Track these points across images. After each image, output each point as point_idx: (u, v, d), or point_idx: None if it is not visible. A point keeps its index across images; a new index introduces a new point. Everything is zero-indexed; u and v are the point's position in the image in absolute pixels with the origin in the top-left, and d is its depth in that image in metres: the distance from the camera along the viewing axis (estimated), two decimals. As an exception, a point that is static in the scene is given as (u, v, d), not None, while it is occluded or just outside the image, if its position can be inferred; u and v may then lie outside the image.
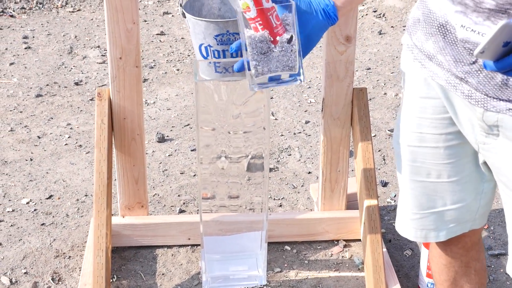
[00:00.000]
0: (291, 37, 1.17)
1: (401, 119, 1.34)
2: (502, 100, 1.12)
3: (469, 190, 1.30)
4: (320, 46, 2.93)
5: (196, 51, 1.64)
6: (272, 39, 1.17)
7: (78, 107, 2.79)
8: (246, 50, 1.19)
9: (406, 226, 1.38)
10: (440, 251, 1.43)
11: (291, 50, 1.18)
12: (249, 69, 1.20)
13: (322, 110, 1.84)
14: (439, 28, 1.16)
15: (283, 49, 1.17)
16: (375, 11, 3.72)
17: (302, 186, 2.30)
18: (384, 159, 2.45)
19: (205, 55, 1.63)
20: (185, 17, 1.61)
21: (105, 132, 1.73)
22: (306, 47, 1.22)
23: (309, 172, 2.36)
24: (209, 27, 1.56)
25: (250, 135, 1.71)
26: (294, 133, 2.59)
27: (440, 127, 1.26)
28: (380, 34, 3.47)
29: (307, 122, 2.66)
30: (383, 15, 3.69)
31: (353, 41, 1.75)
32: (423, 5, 1.23)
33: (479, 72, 1.12)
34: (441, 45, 1.16)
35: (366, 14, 3.71)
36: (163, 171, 2.35)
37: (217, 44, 1.58)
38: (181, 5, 1.62)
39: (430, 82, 1.23)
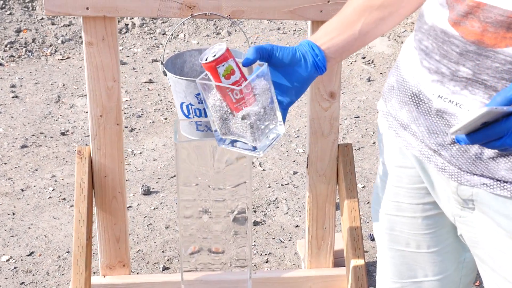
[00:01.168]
0: (244, 116, 1.13)
1: (379, 186, 1.30)
2: (476, 174, 1.08)
3: (450, 261, 1.26)
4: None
5: (177, 109, 1.62)
6: (230, 111, 1.14)
7: (64, 158, 2.75)
8: (210, 112, 1.16)
9: (386, 294, 1.33)
10: None
11: (245, 127, 1.14)
12: (214, 129, 1.17)
13: (307, 167, 1.81)
14: (412, 98, 1.13)
15: (239, 123, 1.14)
16: (363, 58, 3.73)
17: (289, 240, 2.25)
18: (373, 212, 2.41)
19: (186, 113, 1.60)
20: (166, 75, 1.59)
21: (85, 191, 1.69)
22: (290, 99, 1.15)
23: (297, 226, 2.32)
24: (190, 86, 1.54)
25: (233, 190, 1.67)
26: (282, 185, 2.56)
27: (417, 197, 1.22)
28: (369, 81, 3.47)
29: (295, 173, 2.63)
30: (372, 61, 3.70)
31: (338, 97, 1.73)
32: (397, 72, 1.20)
33: (452, 145, 1.09)
34: (414, 115, 1.13)
35: (355, 61, 3.72)
36: (147, 226, 2.31)
37: (198, 103, 1.56)
38: (162, 63, 1.60)
39: (405, 152, 1.20)
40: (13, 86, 3.40)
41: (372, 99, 3.27)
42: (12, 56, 3.78)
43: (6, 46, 3.86)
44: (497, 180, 1.08)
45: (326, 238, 1.89)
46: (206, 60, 1.10)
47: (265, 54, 1.13)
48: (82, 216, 1.67)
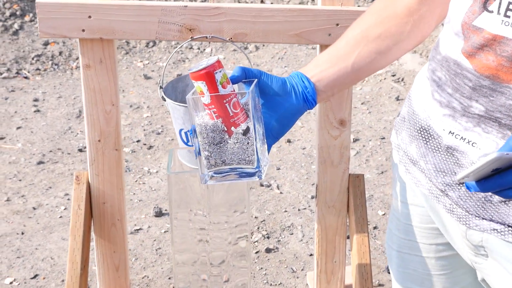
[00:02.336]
0: (247, 128, 1.03)
1: (392, 221, 1.21)
2: (485, 219, 0.98)
3: None
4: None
5: (177, 137, 1.54)
6: (226, 129, 1.03)
7: (86, 163, 2.71)
8: (197, 137, 1.05)
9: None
10: None
11: (248, 143, 1.03)
12: (197, 156, 1.07)
13: (315, 197, 1.71)
14: (421, 132, 1.04)
15: (238, 141, 1.03)
16: (393, 75, 3.61)
17: (302, 270, 2.15)
18: (392, 241, 2.30)
19: (185, 141, 1.53)
20: (165, 100, 1.52)
21: (81, 219, 1.63)
22: (277, 132, 1.06)
23: (311, 255, 2.22)
24: (188, 112, 1.46)
25: (231, 221, 1.59)
26: (299, 209, 2.46)
27: (430, 237, 1.12)
28: (397, 100, 3.35)
29: (313, 197, 2.53)
30: (402, 79, 3.57)
31: (348, 125, 1.63)
32: (409, 102, 1.11)
33: (460, 185, 0.99)
34: (422, 151, 1.04)
35: (385, 79, 3.60)
36: (156, 250, 2.24)
37: (197, 131, 1.48)
38: (161, 87, 1.53)
39: (415, 189, 1.10)
40: (36, 100, 3.39)
41: (399, 120, 3.15)
42: (38, 69, 3.78)
43: (33, 59, 3.86)
44: (509, 226, 0.97)
45: (336, 272, 1.79)
46: (200, 67, 1.00)
47: (251, 76, 1.04)
48: (77, 245, 1.61)
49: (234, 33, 1.49)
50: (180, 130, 1.52)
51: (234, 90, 1.04)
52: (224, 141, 1.03)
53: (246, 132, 1.03)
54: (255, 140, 1.03)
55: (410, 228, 1.15)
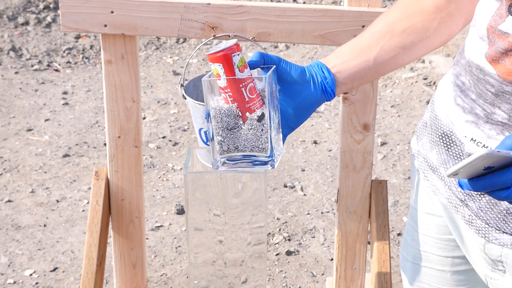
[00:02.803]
0: (262, 114, 1.00)
1: (407, 231, 1.17)
2: (506, 232, 0.94)
3: None
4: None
5: (197, 136, 1.53)
6: (241, 115, 1.00)
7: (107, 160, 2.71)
8: (211, 122, 1.02)
9: None
10: None
11: (262, 130, 1.00)
12: (211, 140, 1.04)
13: (336, 202, 1.68)
14: (443, 138, 1.00)
15: (252, 127, 1.00)
16: (425, 79, 3.54)
17: (322, 274, 2.12)
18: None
19: (205, 140, 1.51)
20: (185, 99, 1.50)
21: (99, 215, 1.62)
22: (294, 121, 1.03)
23: (332, 259, 2.19)
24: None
25: (253, 221, 1.57)
26: (322, 212, 2.42)
27: (446, 249, 1.08)
28: (428, 104, 3.28)
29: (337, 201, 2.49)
30: (434, 83, 3.50)
31: (372, 130, 1.59)
32: (431, 107, 1.07)
33: (481, 196, 0.95)
34: (443, 157, 1.00)
35: (416, 82, 3.54)
36: (176, 248, 2.23)
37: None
38: (182, 85, 1.51)
39: (433, 197, 1.06)
40: (65, 92, 3.41)
41: (429, 124, 3.09)
42: (68, 62, 3.80)
43: (64, 52, 3.88)
44: None
45: (355, 279, 1.75)
46: (219, 49, 0.96)
47: (270, 62, 1.01)
48: (94, 241, 1.60)
49: (257, 32, 1.46)
50: (200, 129, 1.50)
51: (251, 75, 1.01)
52: (238, 127, 1.00)
53: (261, 118, 1.00)
54: (270, 128, 1.00)
55: (426, 239, 1.11)
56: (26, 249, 2.20)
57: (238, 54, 0.98)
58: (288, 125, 1.04)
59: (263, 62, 1.01)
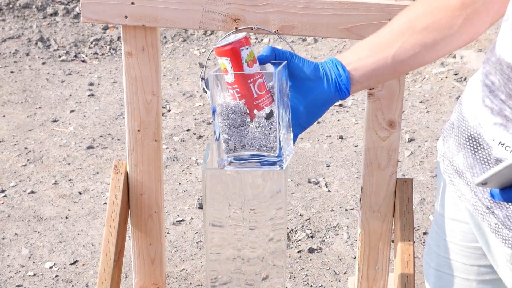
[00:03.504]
0: (271, 112, 0.95)
1: (431, 237, 1.12)
2: None
3: None
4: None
5: (215, 131, 1.49)
6: (248, 112, 0.96)
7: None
8: (217, 118, 0.98)
9: None
10: None
11: (270, 128, 0.96)
12: (217, 139, 1.01)
13: (360, 200, 1.63)
14: (470, 141, 0.95)
15: (260, 125, 0.96)
16: (455, 74, 3.46)
17: (344, 273, 2.08)
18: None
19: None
20: (206, 93, 1.47)
21: (118, 209, 1.59)
22: (305, 120, 0.99)
23: (355, 257, 2.14)
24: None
25: (277, 217, 1.53)
26: (346, 209, 2.38)
27: (472, 257, 1.03)
28: (458, 100, 3.21)
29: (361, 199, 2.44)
30: (465, 79, 3.42)
31: (398, 127, 1.54)
32: (459, 108, 1.02)
33: (509, 204, 0.90)
34: (470, 161, 0.95)
35: (446, 77, 3.46)
36: (197, 243, 2.20)
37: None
38: (202, 79, 1.47)
39: (458, 203, 1.01)
40: (91, 84, 3.41)
41: (459, 121, 3.02)
42: (95, 53, 3.80)
43: (91, 43, 3.89)
44: None
45: (378, 279, 1.70)
46: (226, 42, 0.92)
47: (282, 57, 0.97)
48: (112, 235, 1.58)
49: (281, 25, 1.42)
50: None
51: (261, 71, 0.97)
52: (245, 125, 0.96)
53: (269, 116, 0.95)
54: (279, 126, 0.96)
55: (451, 245, 1.06)
56: (47, 241, 2.20)
57: (247, 48, 0.94)
58: (299, 124, 1.00)
59: (274, 57, 0.97)
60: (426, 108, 3.14)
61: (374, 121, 1.55)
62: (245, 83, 0.94)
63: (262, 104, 0.96)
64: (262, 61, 0.95)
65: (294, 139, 1.01)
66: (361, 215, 1.64)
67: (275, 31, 1.43)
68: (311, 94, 0.97)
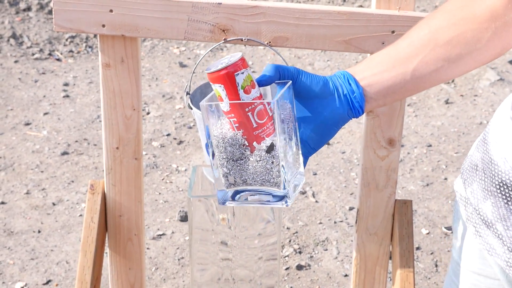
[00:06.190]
0: (271, 145, 0.85)
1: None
2: None
3: None
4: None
5: (204, 151, 1.37)
6: (247, 144, 0.86)
7: (103, 170, 2.56)
8: (213, 153, 0.88)
9: None
10: None
11: (272, 163, 0.86)
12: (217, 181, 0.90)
13: (356, 223, 1.52)
14: (501, 188, 0.83)
15: (261, 159, 0.86)
16: (444, 77, 3.37)
17: (335, 292, 1.97)
18: (436, 265, 2.09)
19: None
20: (191, 109, 1.35)
21: (94, 233, 1.47)
22: (315, 142, 0.90)
23: (346, 275, 2.04)
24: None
25: (265, 234, 1.42)
26: (335, 222, 2.27)
27: None
28: (446, 103, 3.12)
29: (351, 209, 2.34)
30: (452, 81, 3.34)
31: (397, 145, 1.44)
32: (484, 147, 0.89)
33: None
34: (502, 212, 0.83)
35: (434, 79, 3.37)
36: (178, 260, 2.08)
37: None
38: (187, 94, 1.35)
39: (487, 257, 0.89)
40: (66, 84, 3.26)
41: (448, 126, 2.93)
42: (71, 51, 3.65)
43: (66, 40, 3.73)
44: None
45: (373, 305, 1.60)
46: (218, 67, 0.82)
47: (287, 76, 0.86)
48: (88, 262, 1.45)
49: (274, 36, 1.30)
50: (207, 145, 1.34)
51: (261, 95, 0.86)
52: (245, 158, 0.86)
53: (270, 149, 0.86)
54: (282, 160, 0.85)
55: None
56: (18, 258, 2.06)
57: (243, 72, 0.84)
58: (309, 146, 0.90)
59: (279, 76, 0.87)
60: (414, 111, 3.05)
61: (372, 139, 1.44)
62: (242, 112, 0.83)
63: (263, 134, 0.85)
64: (265, 82, 0.85)
65: (304, 163, 0.91)
66: (357, 239, 1.53)
67: (267, 43, 1.31)
68: (322, 113, 0.88)
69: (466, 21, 0.86)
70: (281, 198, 0.89)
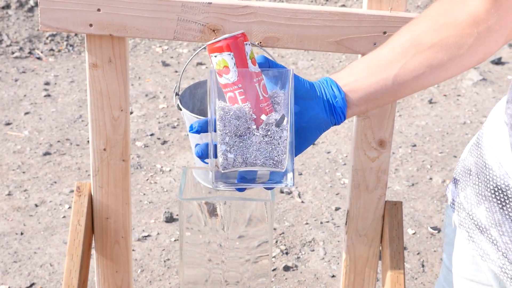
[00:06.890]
0: (283, 117, 0.82)
1: None
2: None
3: None
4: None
5: (193, 153, 1.35)
6: (255, 117, 0.83)
7: (86, 171, 2.53)
8: (215, 129, 0.84)
9: None
10: None
11: (280, 137, 0.83)
12: (215, 156, 0.86)
13: (346, 224, 1.52)
14: (496, 193, 0.82)
15: (269, 134, 0.83)
16: (427, 76, 3.39)
17: (322, 293, 1.97)
18: (423, 266, 2.09)
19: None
20: (180, 110, 1.33)
21: (81, 236, 1.44)
22: (296, 146, 0.87)
23: (333, 276, 2.03)
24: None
25: (252, 235, 1.40)
26: (321, 222, 2.26)
27: None
28: (430, 103, 3.13)
29: (337, 209, 2.33)
30: (436, 81, 3.35)
31: (388, 146, 1.43)
32: (478, 151, 0.89)
33: None
34: (497, 217, 0.82)
35: (417, 79, 3.38)
36: (164, 261, 2.06)
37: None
38: (177, 94, 1.33)
39: (480, 263, 0.89)
40: (47, 83, 3.21)
41: (432, 125, 2.93)
42: (52, 49, 3.60)
43: (47, 38, 3.68)
44: None
45: (363, 307, 1.59)
46: (231, 34, 0.81)
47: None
48: (75, 266, 1.43)
49: (265, 37, 1.29)
50: (197, 145, 1.32)
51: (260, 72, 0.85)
52: (249, 133, 0.83)
53: (280, 122, 0.82)
54: (291, 134, 0.83)
55: None
56: (0, 261, 2.02)
57: (248, 44, 0.82)
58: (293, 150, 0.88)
59: (268, 66, 0.87)
60: (398, 111, 3.05)
61: (363, 140, 1.43)
62: (250, 82, 0.81)
63: (268, 108, 0.83)
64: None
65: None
66: (347, 240, 1.53)
67: (258, 43, 1.29)
68: (307, 114, 0.87)
69: (448, 26, 0.85)
70: (280, 181, 0.87)
